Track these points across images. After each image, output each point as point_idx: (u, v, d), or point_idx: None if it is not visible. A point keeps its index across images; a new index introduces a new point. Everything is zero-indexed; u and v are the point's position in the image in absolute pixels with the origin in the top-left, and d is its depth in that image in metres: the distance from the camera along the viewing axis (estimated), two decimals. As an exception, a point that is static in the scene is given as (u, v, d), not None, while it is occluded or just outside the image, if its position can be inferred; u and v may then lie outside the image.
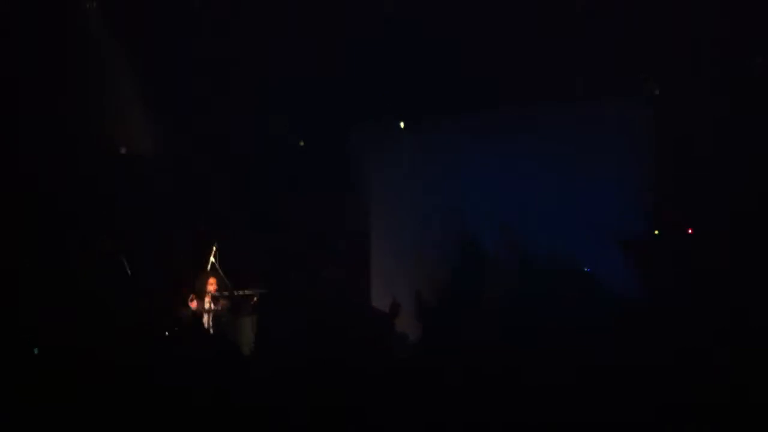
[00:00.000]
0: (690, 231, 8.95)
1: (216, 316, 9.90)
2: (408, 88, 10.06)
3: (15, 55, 9.88)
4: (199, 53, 10.23)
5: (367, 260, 10.72)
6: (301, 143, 11.25)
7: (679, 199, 9.11)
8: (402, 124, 10.90)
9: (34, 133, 10.34)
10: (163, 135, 11.26)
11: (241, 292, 9.99)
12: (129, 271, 10.14)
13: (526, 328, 6.55)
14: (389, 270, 10.29)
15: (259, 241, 10.67)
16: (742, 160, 8.44)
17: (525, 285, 8.29)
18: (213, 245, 10.14)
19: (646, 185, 9.18)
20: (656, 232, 9.32)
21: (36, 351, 5.96)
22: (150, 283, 9.96)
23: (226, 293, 10.00)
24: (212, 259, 10.12)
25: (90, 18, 10.39)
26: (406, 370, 5.67)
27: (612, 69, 9.04)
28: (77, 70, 10.45)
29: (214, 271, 10.11)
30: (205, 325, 9.74)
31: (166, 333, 8.88)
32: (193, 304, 9.85)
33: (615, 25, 8.73)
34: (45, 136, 10.39)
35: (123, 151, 11.42)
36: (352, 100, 10.28)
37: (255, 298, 9.92)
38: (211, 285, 10.06)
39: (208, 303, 10.00)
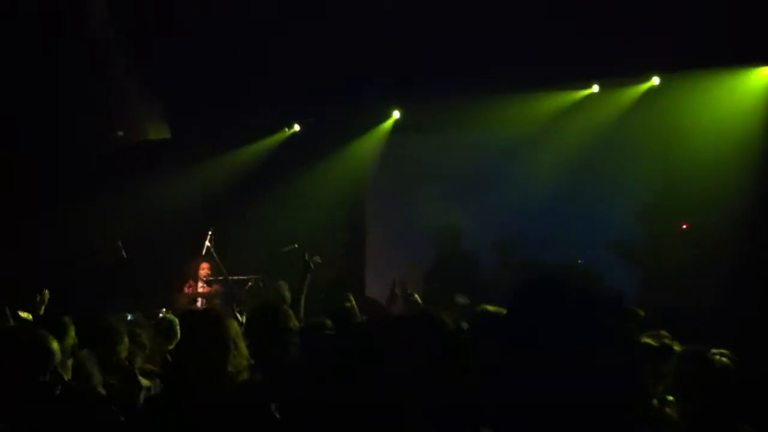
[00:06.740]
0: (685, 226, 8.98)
1: (208, 300, 9.90)
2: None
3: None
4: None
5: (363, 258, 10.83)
6: None
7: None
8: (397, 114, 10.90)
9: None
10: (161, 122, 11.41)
11: (235, 278, 10.01)
12: (124, 255, 10.19)
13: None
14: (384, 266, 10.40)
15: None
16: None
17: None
18: (209, 231, 10.16)
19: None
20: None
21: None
22: (144, 268, 10.03)
23: (220, 278, 10.02)
24: (207, 243, 10.13)
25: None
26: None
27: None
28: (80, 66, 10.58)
29: (208, 256, 10.12)
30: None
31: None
32: (188, 289, 9.89)
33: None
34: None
35: (121, 134, 11.56)
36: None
37: (249, 284, 9.93)
38: (204, 270, 10.09)
39: (201, 288, 10.01)
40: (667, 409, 4.08)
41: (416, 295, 7.47)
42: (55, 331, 3.90)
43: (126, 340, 4.32)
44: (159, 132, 11.70)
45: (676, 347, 4.74)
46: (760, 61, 8.61)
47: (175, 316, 6.47)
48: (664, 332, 5.35)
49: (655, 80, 9.27)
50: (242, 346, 3.98)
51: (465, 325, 4.04)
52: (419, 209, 10.27)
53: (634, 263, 9.06)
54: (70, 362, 3.99)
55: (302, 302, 6.86)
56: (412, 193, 10.47)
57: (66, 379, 3.83)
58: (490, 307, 3.95)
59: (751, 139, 8.26)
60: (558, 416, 2.47)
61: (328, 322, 5.10)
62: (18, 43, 10.00)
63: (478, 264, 9.57)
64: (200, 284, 10.04)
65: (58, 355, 3.56)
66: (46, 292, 5.80)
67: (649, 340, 4.98)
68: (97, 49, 10.70)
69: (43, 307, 5.72)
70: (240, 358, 3.94)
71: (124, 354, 4.27)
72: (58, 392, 3.57)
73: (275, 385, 3.95)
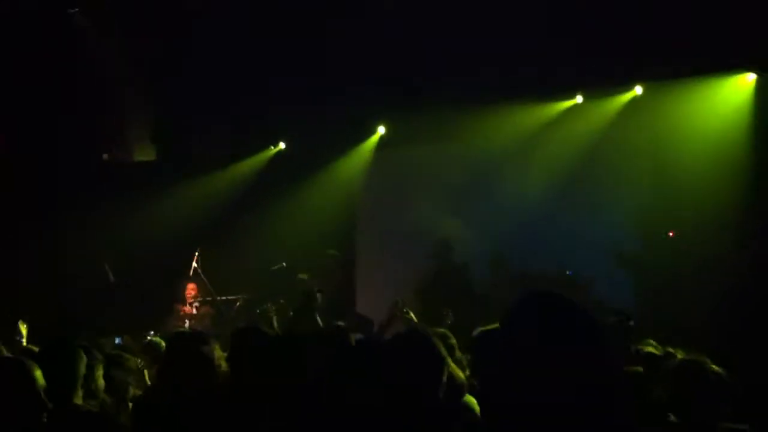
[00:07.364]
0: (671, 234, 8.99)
1: (198, 321, 9.81)
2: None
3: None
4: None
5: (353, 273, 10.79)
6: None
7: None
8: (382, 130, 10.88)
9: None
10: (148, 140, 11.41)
11: (223, 298, 9.93)
12: (112, 278, 10.10)
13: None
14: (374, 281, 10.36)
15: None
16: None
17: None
18: (196, 251, 10.08)
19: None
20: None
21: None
22: (132, 290, 9.96)
23: (208, 298, 9.95)
24: (194, 264, 10.05)
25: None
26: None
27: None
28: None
29: (196, 277, 10.04)
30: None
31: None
32: (176, 311, 9.83)
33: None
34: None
35: (106, 156, 11.50)
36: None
37: (238, 303, 9.86)
38: (192, 291, 10.02)
39: (189, 309, 9.94)
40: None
41: (411, 313, 7.42)
42: (67, 356, 3.89)
43: (101, 363, 4.26)
44: (144, 153, 11.65)
45: (679, 355, 4.73)
46: (743, 67, 8.65)
47: (163, 338, 6.41)
48: (652, 341, 5.34)
49: (638, 89, 9.30)
50: (226, 367, 4.01)
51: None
52: (409, 223, 10.24)
53: (627, 272, 9.05)
54: (80, 388, 3.96)
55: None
56: (401, 207, 10.44)
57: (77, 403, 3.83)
58: (490, 327, 3.91)
59: (736, 144, 8.27)
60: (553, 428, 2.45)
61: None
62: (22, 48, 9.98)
63: (470, 276, 9.53)
64: (188, 305, 9.96)
65: (41, 382, 3.52)
66: (23, 325, 5.71)
67: (651, 349, 4.98)
68: (93, 67, 10.71)
69: (23, 341, 5.63)
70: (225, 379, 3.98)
71: (100, 379, 4.22)
72: (44, 419, 3.52)
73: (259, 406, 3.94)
